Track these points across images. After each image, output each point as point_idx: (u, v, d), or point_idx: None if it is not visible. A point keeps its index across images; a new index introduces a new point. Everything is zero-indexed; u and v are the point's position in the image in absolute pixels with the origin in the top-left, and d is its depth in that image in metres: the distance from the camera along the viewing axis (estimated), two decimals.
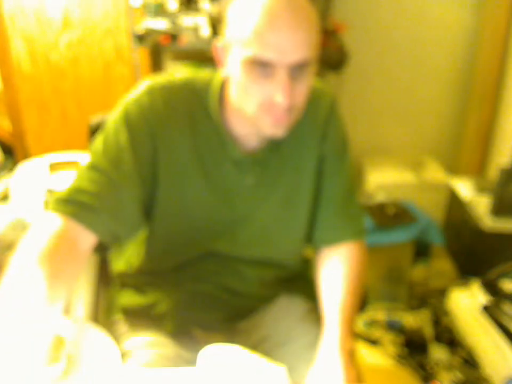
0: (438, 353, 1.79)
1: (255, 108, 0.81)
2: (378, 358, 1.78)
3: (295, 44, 0.75)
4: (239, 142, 0.91)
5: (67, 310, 0.99)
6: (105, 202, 0.83)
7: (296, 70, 0.78)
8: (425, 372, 1.71)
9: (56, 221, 0.80)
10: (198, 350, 0.75)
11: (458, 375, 1.67)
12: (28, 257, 0.73)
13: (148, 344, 0.89)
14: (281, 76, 0.77)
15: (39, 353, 0.64)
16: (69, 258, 0.78)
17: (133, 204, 0.87)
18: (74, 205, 0.81)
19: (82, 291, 1.07)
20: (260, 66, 0.77)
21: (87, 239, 0.82)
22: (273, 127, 0.83)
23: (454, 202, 2.32)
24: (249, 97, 0.81)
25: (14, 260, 0.73)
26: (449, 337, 1.83)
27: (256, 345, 0.95)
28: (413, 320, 1.97)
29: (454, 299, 1.91)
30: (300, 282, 1.07)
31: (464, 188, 2.29)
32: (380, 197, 2.27)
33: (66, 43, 2.52)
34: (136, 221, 0.89)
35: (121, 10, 2.46)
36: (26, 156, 2.59)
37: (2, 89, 2.58)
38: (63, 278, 0.75)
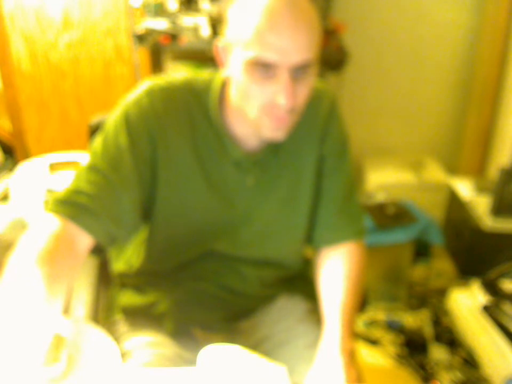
0: (438, 353, 1.80)
1: (256, 109, 0.81)
2: (378, 358, 1.78)
3: (297, 45, 0.75)
4: (239, 143, 0.91)
5: (67, 310, 0.99)
6: (103, 204, 0.83)
7: (298, 71, 0.78)
8: (425, 372, 1.71)
9: (54, 222, 0.80)
10: (198, 350, 0.75)
11: (458, 375, 1.67)
12: (25, 257, 0.73)
13: (148, 344, 0.89)
14: (283, 77, 0.77)
15: (39, 353, 0.64)
16: (66, 259, 0.78)
17: (131, 206, 0.86)
18: (72, 207, 0.81)
19: (82, 291, 1.07)
20: (262, 68, 0.77)
21: (84, 240, 0.82)
22: (274, 130, 0.83)
23: (454, 202, 2.32)
24: (250, 99, 0.80)
25: (12, 261, 0.73)
26: (449, 337, 1.83)
27: (256, 345, 0.95)
28: (413, 320, 1.97)
29: (454, 299, 1.91)
30: (300, 282, 1.07)
31: (464, 188, 2.29)
32: (380, 197, 2.27)
33: (66, 43, 2.52)
34: (134, 223, 0.89)
35: (121, 10, 2.46)
36: (26, 155, 2.59)
37: (2, 88, 2.58)
38: (61, 278, 0.74)
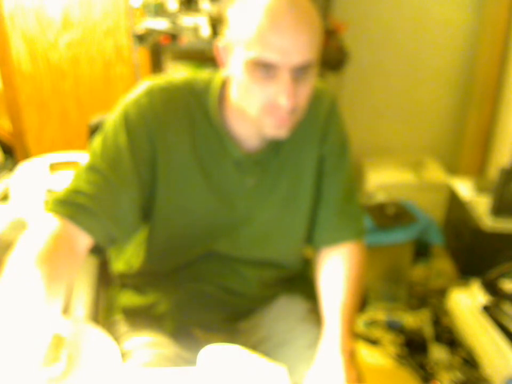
0: (438, 353, 1.79)
1: (257, 109, 0.81)
2: (378, 358, 1.78)
3: (298, 46, 0.75)
4: (239, 143, 0.91)
5: (67, 310, 0.99)
6: (102, 204, 0.83)
7: (299, 72, 0.78)
8: (425, 372, 1.71)
9: (53, 222, 0.80)
10: (198, 350, 0.75)
11: (458, 375, 1.67)
12: (25, 257, 0.73)
13: (148, 344, 0.89)
14: (285, 77, 0.77)
15: (39, 353, 0.64)
16: (66, 259, 0.78)
17: (131, 206, 0.86)
18: (71, 207, 0.81)
19: (82, 291, 1.07)
20: (263, 68, 0.77)
21: (84, 240, 0.82)
22: (276, 129, 0.83)
23: (454, 202, 2.32)
24: (251, 99, 0.80)
25: (12, 260, 0.73)
26: (449, 337, 1.83)
27: (256, 345, 0.95)
28: (413, 320, 1.97)
29: (454, 299, 1.91)
30: (300, 282, 1.07)
31: (464, 188, 2.29)
32: (380, 197, 2.27)
33: (66, 43, 2.52)
34: (133, 223, 0.89)
35: (121, 10, 2.46)
36: (26, 155, 2.59)
37: (2, 89, 2.58)
38: (60, 278, 0.74)
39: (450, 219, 2.37)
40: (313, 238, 1.01)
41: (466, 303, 1.83)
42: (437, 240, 2.02)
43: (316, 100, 0.92)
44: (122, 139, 0.86)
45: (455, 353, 1.77)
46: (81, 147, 1.31)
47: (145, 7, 2.25)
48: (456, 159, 2.77)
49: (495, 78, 2.48)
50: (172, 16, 2.24)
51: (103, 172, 0.84)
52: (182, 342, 0.93)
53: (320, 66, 0.85)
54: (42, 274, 0.70)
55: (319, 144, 0.95)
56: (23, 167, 1.80)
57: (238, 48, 0.79)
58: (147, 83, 0.90)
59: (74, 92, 2.62)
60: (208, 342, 0.81)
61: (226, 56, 0.83)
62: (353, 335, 0.87)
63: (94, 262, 1.14)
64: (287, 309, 1.01)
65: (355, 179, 1.03)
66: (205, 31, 2.18)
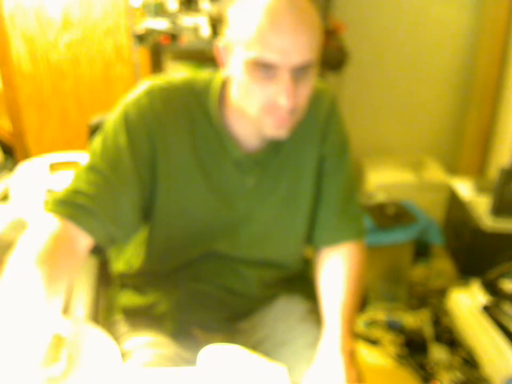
0: (438, 353, 1.79)
1: (257, 109, 0.81)
2: (378, 358, 1.78)
3: (298, 46, 0.75)
4: (239, 143, 0.91)
5: (67, 310, 0.99)
6: (102, 205, 0.83)
7: (299, 72, 0.78)
8: (425, 372, 1.71)
9: (53, 222, 0.80)
10: (198, 350, 0.75)
11: (458, 375, 1.67)
12: (25, 257, 0.73)
13: (148, 344, 0.89)
14: (284, 77, 0.77)
15: (38, 353, 0.64)
16: (66, 259, 0.78)
17: (131, 206, 0.86)
18: (71, 207, 0.81)
19: (82, 291, 1.07)
20: (263, 68, 0.77)
21: (84, 240, 0.82)
22: (276, 129, 0.83)
23: (454, 202, 2.32)
24: (251, 99, 0.81)
25: (12, 261, 0.73)
26: (449, 337, 1.83)
27: (256, 345, 0.95)
28: (413, 320, 1.97)
29: (454, 299, 1.91)
30: (300, 282, 1.07)
31: (464, 188, 2.29)
32: (380, 197, 2.27)
33: (66, 43, 2.52)
34: (133, 224, 0.89)
35: (121, 10, 2.46)
36: (26, 155, 2.59)
37: (2, 89, 2.58)
38: (60, 278, 0.74)
39: (450, 219, 2.37)
40: (313, 238, 1.01)
41: (466, 303, 1.83)
42: (437, 240, 2.02)
43: (315, 100, 0.92)
44: (122, 139, 0.85)
45: (455, 353, 1.77)
46: (81, 147, 1.31)
47: (145, 7, 2.25)
48: (456, 159, 2.77)
49: (495, 78, 2.48)
50: (172, 16, 2.24)
51: (103, 172, 0.84)
52: (182, 342, 0.93)
53: (320, 66, 0.85)
54: (42, 274, 0.70)
55: (319, 144, 0.95)
56: (23, 167, 1.80)
57: (238, 48, 0.79)
58: (147, 83, 0.90)
59: (74, 92, 2.62)
60: (208, 342, 0.81)
61: (226, 56, 0.83)
62: (353, 335, 0.87)
63: (94, 262, 1.14)
64: (287, 309, 1.01)
65: (355, 179, 1.03)
66: (205, 31, 2.19)
